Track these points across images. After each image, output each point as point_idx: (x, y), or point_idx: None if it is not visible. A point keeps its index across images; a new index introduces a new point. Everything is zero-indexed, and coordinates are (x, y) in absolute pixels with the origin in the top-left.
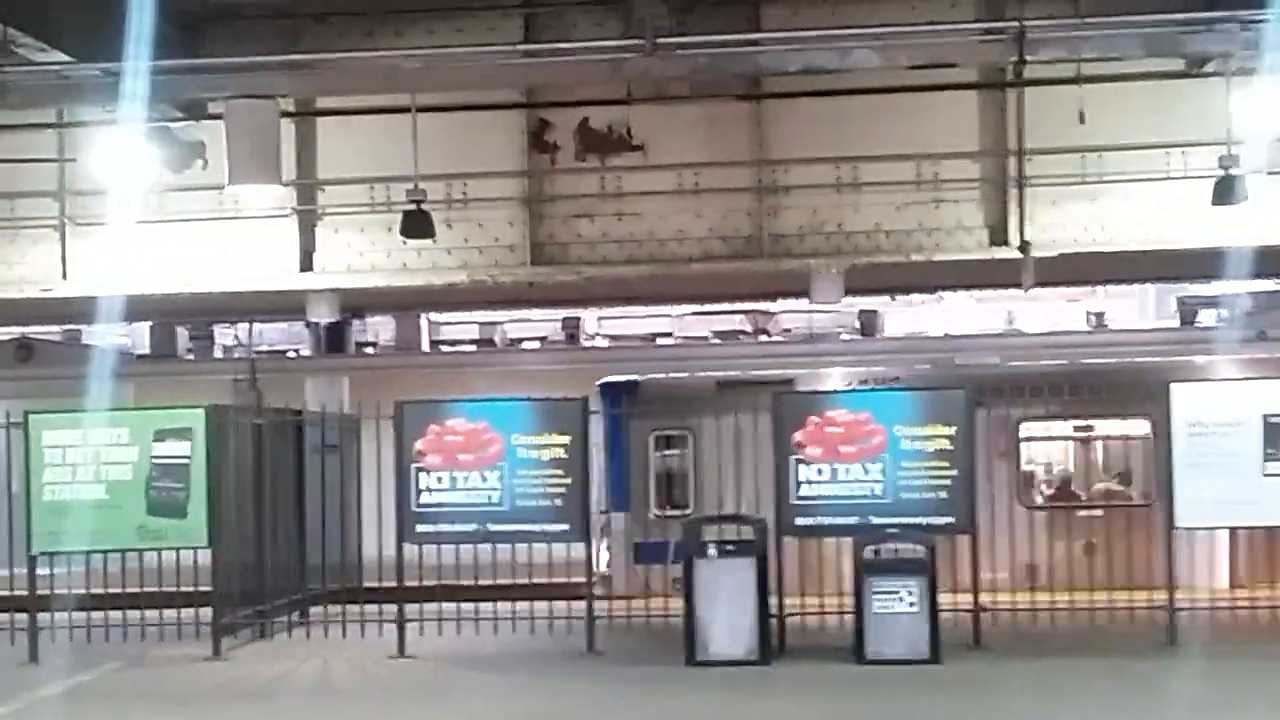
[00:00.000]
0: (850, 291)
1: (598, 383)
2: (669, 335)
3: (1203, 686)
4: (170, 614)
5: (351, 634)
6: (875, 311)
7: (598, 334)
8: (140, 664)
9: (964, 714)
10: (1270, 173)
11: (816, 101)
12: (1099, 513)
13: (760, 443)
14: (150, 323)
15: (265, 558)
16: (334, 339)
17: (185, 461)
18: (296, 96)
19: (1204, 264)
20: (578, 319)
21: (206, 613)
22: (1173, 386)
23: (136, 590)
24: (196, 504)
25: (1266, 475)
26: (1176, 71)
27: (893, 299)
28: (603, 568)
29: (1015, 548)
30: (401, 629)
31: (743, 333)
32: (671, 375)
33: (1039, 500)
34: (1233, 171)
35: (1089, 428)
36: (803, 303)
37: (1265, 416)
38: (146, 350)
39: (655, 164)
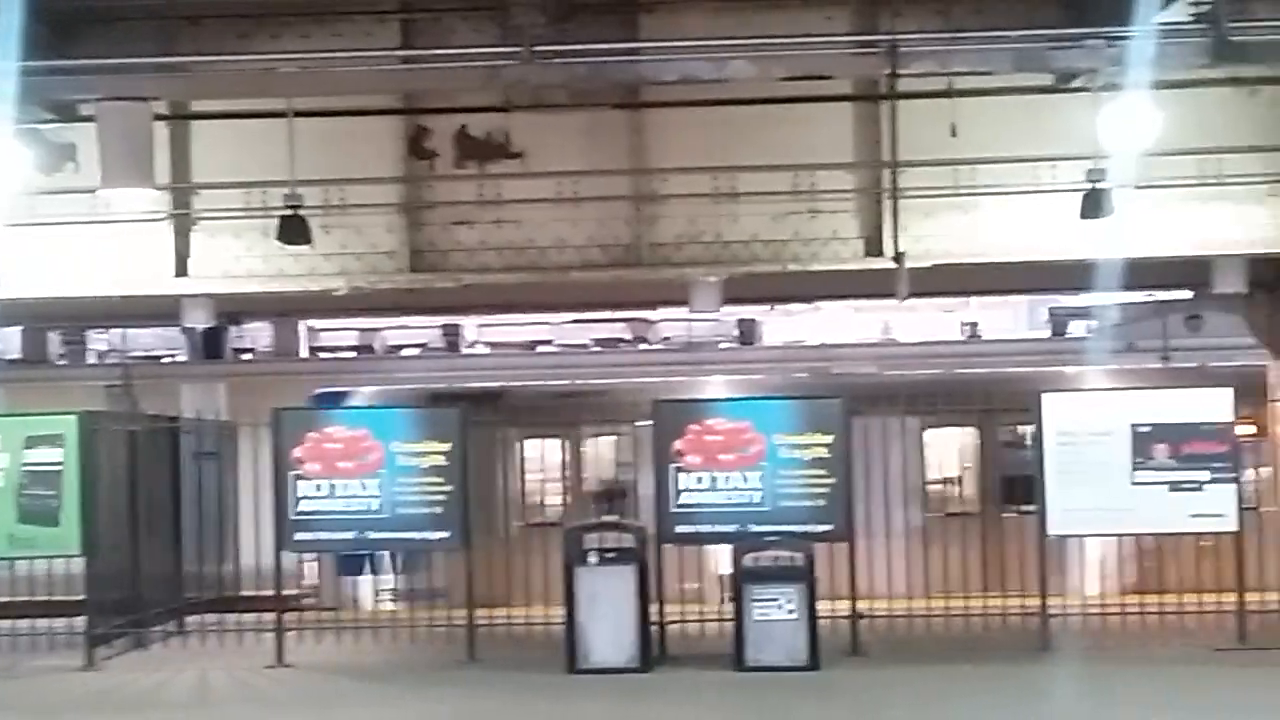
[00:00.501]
0: (729, 300)
1: (311, 393)
2: (549, 343)
3: (1074, 690)
4: (42, 624)
5: (229, 643)
6: (754, 320)
7: (478, 341)
8: (11, 675)
9: (840, 719)
10: (1137, 187)
11: (695, 111)
12: None
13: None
14: (20, 327)
15: (140, 566)
16: (210, 345)
17: (57, 468)
18: (169, 99)
19: (1074, 276)
20: (458, 326)
21: (80, 622)
22: (1044, 396)
23: (7, 599)
24: (69, 512)
25: (1135, 484)
26: (1046, 86)
27: (771, 308)
28: (312, 579)
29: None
30: (279, 637)
31: (623, 341)
32: (385, 387)
33: None
34: (1100, 185)
35: None
36: (682, 311)
37: (1134, 426)
38: (17, 355)
39: (534, 172)
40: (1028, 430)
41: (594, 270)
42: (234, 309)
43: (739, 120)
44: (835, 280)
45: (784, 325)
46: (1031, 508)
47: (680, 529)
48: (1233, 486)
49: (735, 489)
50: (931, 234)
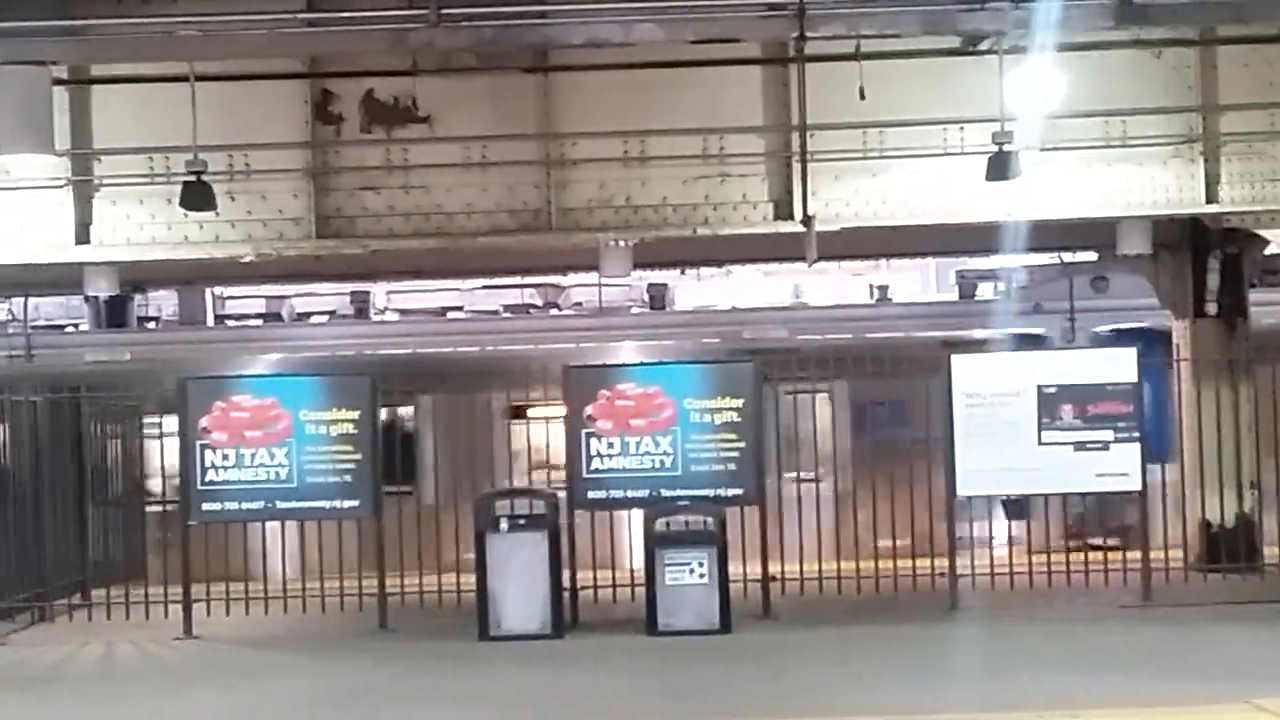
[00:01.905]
0: (639, 265)
1: None
2: (460, 309)
3: (979, 649)
4: None
5: (135, 616)
6: (665, 285)
7: (388, 308)
8: None
9: (749, 681)
10: (1043, 149)
11: (604, 75)
12: None
13: None
14: None
15: (45, 538)
16: (114, 313)
17: None
18: (68, 63)
19: (982, 238)
20: (366, 293)
21: None
22: (953, 358)
23: None
24: None
25: (1042, 444)
26: (953, 49)
27: (682, 272)
28: None
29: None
30: (187, 609)
31: (533, 306)
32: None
33: None
34: (1006, 147)
35: None
36: (592, 276)
37: (1040, 386)
38: None
39: (442, 136)
40: None
41: (503, 235)
42: (138, 277)
43: (648, 84)
44: (745, 244)
45: (695, 290)
46: None
47: (592, 494)
48: (1136, 446)
49: (647, 454)
50: (841, 197)
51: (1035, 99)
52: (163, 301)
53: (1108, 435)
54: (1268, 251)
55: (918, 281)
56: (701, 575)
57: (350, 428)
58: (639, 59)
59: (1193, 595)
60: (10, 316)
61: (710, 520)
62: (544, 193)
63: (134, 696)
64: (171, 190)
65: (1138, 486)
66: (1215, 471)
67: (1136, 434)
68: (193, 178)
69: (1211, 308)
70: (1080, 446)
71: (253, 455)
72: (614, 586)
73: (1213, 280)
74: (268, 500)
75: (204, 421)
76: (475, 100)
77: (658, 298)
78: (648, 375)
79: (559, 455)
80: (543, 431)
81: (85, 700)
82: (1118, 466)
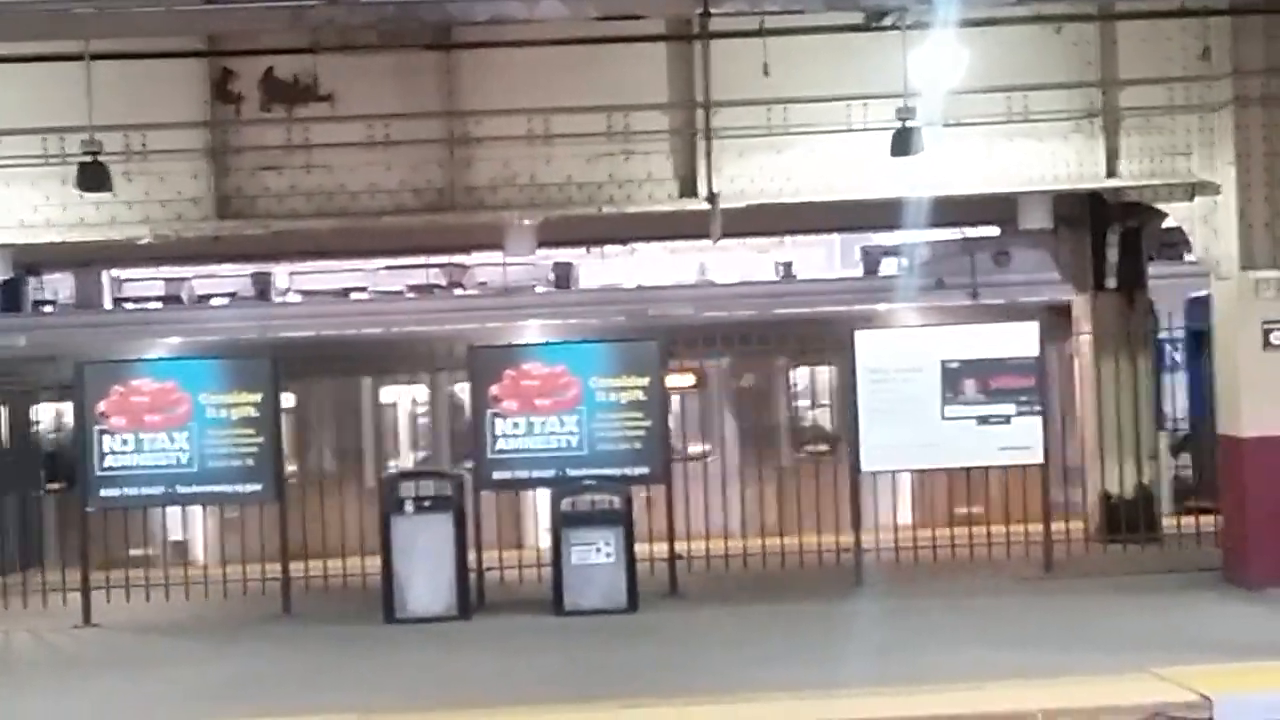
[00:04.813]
0: (544, 244)
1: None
2: (364, 290)
3: (884, 625)
4: None
5: (33, 604)
6: (570, 264)
7: (290, 289)
8: None
9: (656, 659)
10: (945, 125)
11: (507, 52)
12: None
13: None
14: None
15: None
16: (8, 297)
17: None
18: None
19: (885, 214)
20: (268, 274)
21: None
22: (856, 334)
23: None
24: None
25: (946, 419)
26: (856, 25)
27: (587, 251)
28: None
29: None
30: (86, 596)
31: (438, 287)
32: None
33: None
34: (909, 123)
35: None
36: (497, 255)
37: (943, 362)
38: None
39: (344, 115)
40: None
41: (407, 215)
42: (33, 260)
43: (552, 61)
44: (650, 222)
45: (600, 268)
46: None
47: (498, 475)
48: (1038, 419)
49: (552, 433)
50: (745, 174)
51: (938, 75)
52: (59, 285)
53: (1010, 409)
54: (1165, 225)
55: (822, 258)
56: (608, 554)
57: (252, 410)
58: (542, 36)
59: (1093, 566)
60: None
61: (616, 499)
62: (448, 171)
63: (33, 686)
64: (66, 171)
65: (1040, 459)
66: (1115, 443)
67: (1039, 407)
68: (88, 158)
69: (1111, 281)
70: (983, 420)
71: (152, 440)
72: (520, 567)
73: (1112, 254)
74: (168, 485)
75: (102, 406)
76: (377, 78)
77: (563, 276)
78: (553, 354)
79: None
80: None
81: None
82: (1020, 439)
